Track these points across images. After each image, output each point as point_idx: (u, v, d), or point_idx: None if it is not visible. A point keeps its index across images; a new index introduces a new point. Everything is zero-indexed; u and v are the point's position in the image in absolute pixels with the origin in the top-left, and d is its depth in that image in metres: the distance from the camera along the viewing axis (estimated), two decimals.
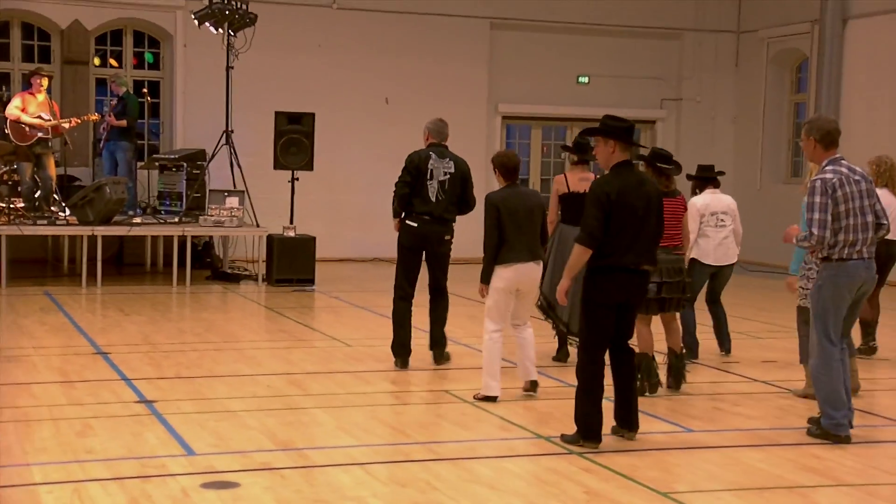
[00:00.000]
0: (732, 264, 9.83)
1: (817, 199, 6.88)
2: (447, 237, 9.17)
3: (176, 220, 14.92)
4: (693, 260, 9.55)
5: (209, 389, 8.22)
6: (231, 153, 15.26)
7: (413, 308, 9.20)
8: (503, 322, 7.96)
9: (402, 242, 9.16)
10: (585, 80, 19.36)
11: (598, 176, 7.49)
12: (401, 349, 9.19)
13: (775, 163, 19.38)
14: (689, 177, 9.78)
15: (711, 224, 9.54)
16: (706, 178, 9.74)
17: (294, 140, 15.04)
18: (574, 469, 6.30)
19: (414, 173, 9.10)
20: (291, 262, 14.60)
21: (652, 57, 19.73)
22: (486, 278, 7.85)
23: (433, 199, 9.06)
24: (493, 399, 7.88)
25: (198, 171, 15.49)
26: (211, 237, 15.86)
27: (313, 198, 16.58)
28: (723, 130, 19.83)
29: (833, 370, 7.00)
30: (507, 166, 7.95)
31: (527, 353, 8.14)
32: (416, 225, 9.07)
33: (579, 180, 9.15)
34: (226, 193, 15.05)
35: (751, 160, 19.51)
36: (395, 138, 18.34)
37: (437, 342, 9.32)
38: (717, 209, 9.68)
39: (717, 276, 9.88)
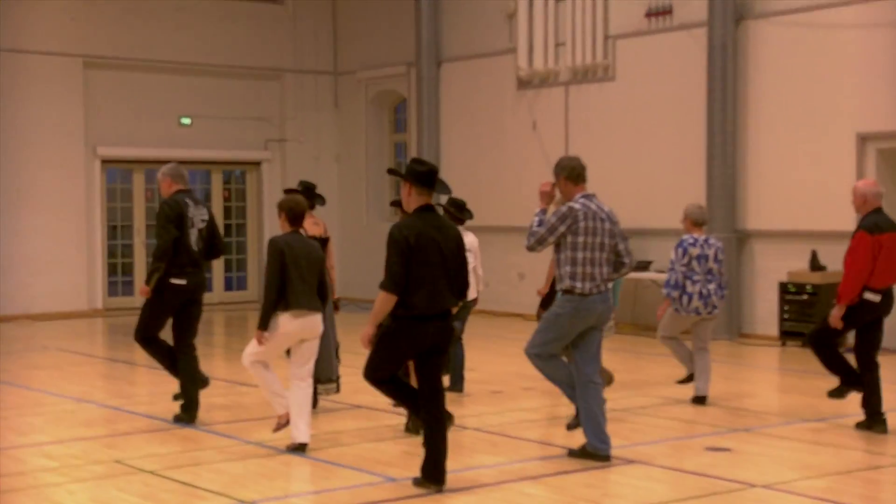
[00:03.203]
0: (474, 300, 10.05)
1: (553, 219, 7.30)
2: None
3: None
4: None
5: None
6: None
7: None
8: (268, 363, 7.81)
9: (169, 301, 8.59)
10: (188, 121, 18.78)
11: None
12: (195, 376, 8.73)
13: (379, 200, 19.74)
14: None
15: None
16: (458, 215, 9.92)
17: None
18: None
19: (177, 223, 8.53)
20: None
21: (254, 98, 19.49)
22: (265, 324, 7.58)
23: (195, 249, 8.65)
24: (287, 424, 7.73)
25: None
26: None
27: None
28: (327, 170, 19.92)
29: (555, 362, 7.49)
30: (294, 211, 7.80)
31: (303, 410, 7.74)
32: (184, 282, 8.57)
33: (313, 224, 9.07)
34: None
35: (356, 198, 19.80)
36: None
37: (196, 403, 8.74)
38: None
39: (458, 313, 9.99)
